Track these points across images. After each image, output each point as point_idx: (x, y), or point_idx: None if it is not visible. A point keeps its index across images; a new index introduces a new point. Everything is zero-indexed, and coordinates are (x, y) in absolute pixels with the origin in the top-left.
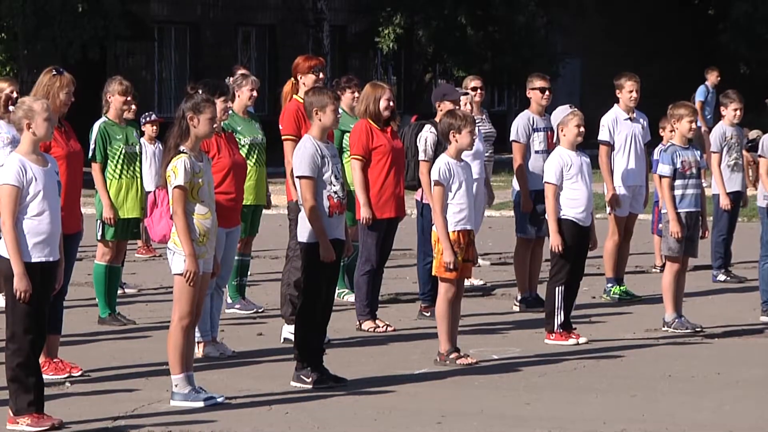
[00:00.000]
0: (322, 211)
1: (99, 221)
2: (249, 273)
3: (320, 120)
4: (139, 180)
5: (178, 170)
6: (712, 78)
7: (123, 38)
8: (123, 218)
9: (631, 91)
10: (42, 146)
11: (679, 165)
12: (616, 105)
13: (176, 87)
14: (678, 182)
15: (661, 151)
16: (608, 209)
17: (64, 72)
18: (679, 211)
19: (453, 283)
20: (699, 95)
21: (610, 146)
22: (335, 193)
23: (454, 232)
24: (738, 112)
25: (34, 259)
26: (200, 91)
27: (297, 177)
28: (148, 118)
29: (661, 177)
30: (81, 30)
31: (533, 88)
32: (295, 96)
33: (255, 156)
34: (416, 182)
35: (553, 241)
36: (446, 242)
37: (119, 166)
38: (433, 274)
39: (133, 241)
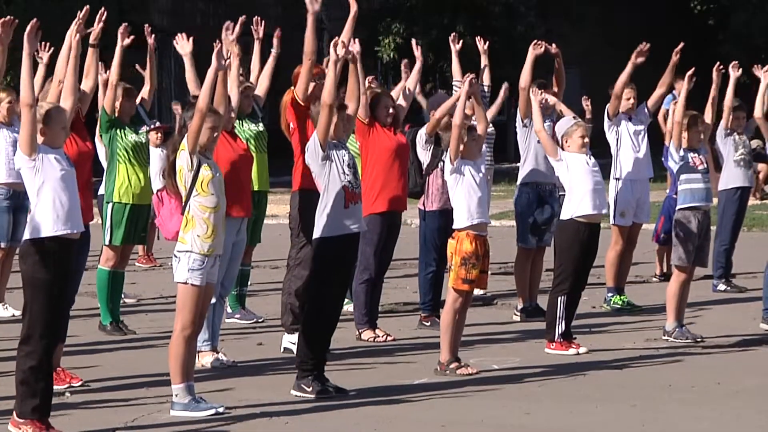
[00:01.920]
0: (338, 202)
1: (107, 226)
2: (249, 283)
3: None
4: (148, 168)
5: (184, 145)
6: (681, 87)
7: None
8: (132, 206)
9: (628, 99)
10: None
11: (689, 159)
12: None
13: (176, 96)
14: (688, 176)
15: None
16: (611, 219)
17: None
18: (689, 205)
19: (463, 294)
20: (666, 104)
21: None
22: (349, 182)
23: (468, 232)
24: (740, 120)
25: (59, 233)
26: None
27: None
28: (152, 126)
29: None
30: (81, 40)
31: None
32: None
33: (253, 143)
34: (418, 189)
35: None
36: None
37: (128, 154)
38: (449, 285)
39: (133, 249)
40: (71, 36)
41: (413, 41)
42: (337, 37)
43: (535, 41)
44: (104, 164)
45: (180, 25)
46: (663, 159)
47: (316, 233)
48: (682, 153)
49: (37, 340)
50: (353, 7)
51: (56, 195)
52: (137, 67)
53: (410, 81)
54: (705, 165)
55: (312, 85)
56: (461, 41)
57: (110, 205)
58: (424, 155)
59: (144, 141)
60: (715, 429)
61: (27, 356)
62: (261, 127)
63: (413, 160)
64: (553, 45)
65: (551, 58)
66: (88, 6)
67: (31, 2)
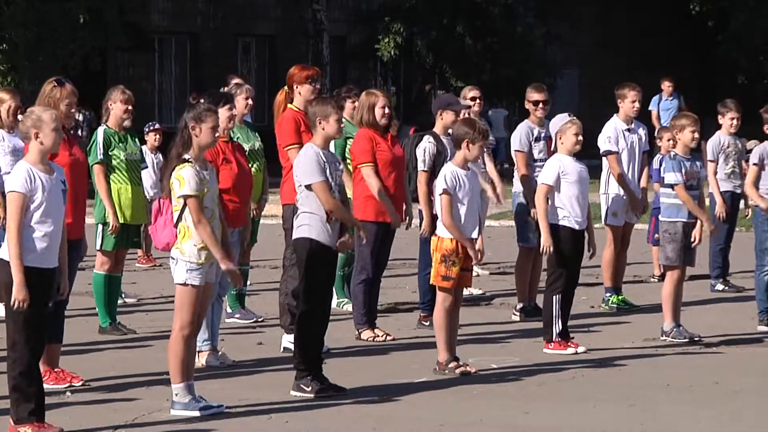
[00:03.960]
0: (322, 214)
1: (99, 230)
2: (249, 282)
3: (324, 129)
4: (140, 187)
5: (184, 180)
6: (664, 86)
7: (123, 49)
8: (123, 223)
9: (633, 102)
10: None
11: (683, 177)
12: (615, 116)
13: (176, 97)
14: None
15: (663, 159)
16: (604, 219)
17: (66, 83)
18: (677, 220)
19: (450, 293)
20: (652, 105)
21: (617, 154)
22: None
23: (452, 239)
24: (735, 122)
25: (33, 264)
26: (202, 101)
27: (307, 185)
28: (151, 127)
29: (674, 186)
30: (82, 41)
31: (529, 101)
32: (289, 105)
33: (252, 162)
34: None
35: (545, 242)
36: (468, 243)
37: (120, 172)
38: (431, 282)
39: (132, 250)
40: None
41: None
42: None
43: None
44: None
45: (180, 25)
46: (652, 172)
47: (297, 233)
48: (676, 174)
49: (23, 345)
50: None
51: (35, 228)
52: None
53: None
54: (694, 180)
55: (307, 87)
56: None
57: (101, 226)
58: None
59: (137, 158)
60: (713, 428)
61: (15, 363)
62: (257, 145)
63: (416, 165)
64: None
65: (551, 59)
66: None
67: (31, 2)
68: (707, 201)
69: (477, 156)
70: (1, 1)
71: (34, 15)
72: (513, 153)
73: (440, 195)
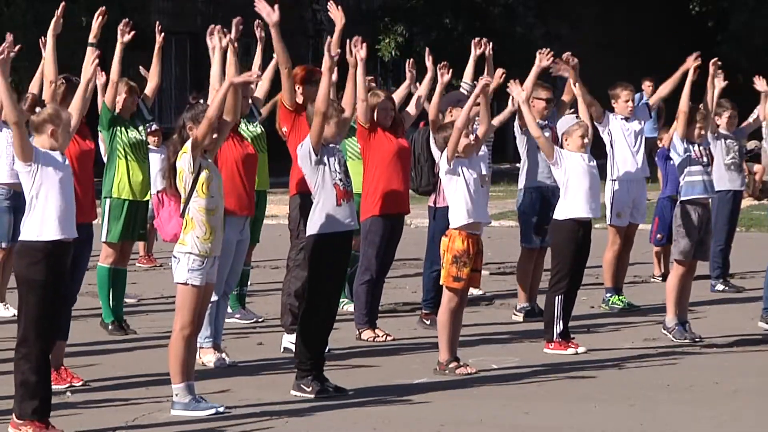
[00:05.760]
0: (330, 199)
1: (104, 222)
2: (249, 283)
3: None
4: (146, 164)
5: (185, 147)
6: (644, 86)
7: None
8: (131, 200)
9: (627, 101)
10: None
11: (692, 152)
12: (611, 114)
13: (176, 97)
14: (691, 168)
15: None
16: (608, 219)
17: (73, 80)
18: (690, 197)
19: (458, 294)
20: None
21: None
22: (340, 180)
23: (461, 231)
24: (732, 120)
25: (53, 238)
26: (202, 102)
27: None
28: (149, 129)
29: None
30: (82, 41)
31: (537, 98)
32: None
33: (253, 144)
34: (430, 187)
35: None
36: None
37: (127, 150)
38: (441, 283)
39: (133, 251)
40: (50, 35)
41: (426, 51)
42: (329, 38)
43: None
44: (105, 160)
45: (180, 25)
46: (656, 159)
47: (310, 230)
48: (685, 145)
49: (33, 341)
50: (341, 21)
51: (52, 200)
52: (141, 69)
53: (422, 89)
54: (706, 158)
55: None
56: (482, 47)
57: (108, 200)
58: (438, 154)
59: (143, 138)
60: (713, 429)
61: (24, 358)
62: (259, 129)
63: (427, 158)
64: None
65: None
66: (63, 3)
67: (31, 3)
68: (709, 202)
69: (467, 142)
70: (1, 2)
71: (34, 16)
72: (517, 126)
73: (446, 173)
